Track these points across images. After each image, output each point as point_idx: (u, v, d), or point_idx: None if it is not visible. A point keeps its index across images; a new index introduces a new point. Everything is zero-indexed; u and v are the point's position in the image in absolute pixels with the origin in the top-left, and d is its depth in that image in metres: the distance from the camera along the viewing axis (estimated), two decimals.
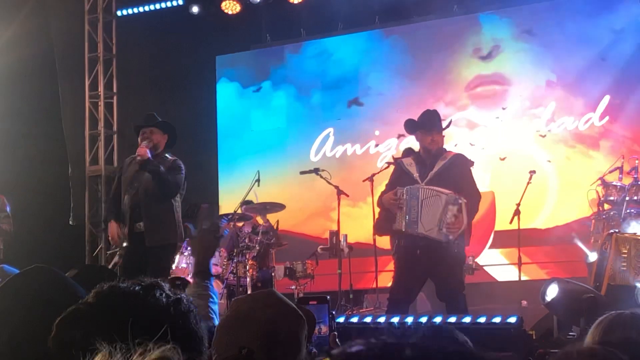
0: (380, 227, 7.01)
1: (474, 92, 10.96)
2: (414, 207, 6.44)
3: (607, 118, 10.26)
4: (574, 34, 10.50)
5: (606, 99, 10.22)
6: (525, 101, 10.65)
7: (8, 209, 9.63)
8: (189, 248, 9.01)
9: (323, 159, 11.61)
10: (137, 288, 1.45)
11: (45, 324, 1.81)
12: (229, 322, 2.34)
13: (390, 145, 11.30)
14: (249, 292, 8.63)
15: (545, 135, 10.53)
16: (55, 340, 1.42)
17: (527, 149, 10.55)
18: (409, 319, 4.57)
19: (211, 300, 2.89)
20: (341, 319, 4.86)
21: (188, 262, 9.03)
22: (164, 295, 1.45)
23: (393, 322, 4.63)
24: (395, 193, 6.51)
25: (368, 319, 4.82)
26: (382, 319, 4.77)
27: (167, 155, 7.31)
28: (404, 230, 6.45)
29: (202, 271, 2.96)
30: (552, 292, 6.65)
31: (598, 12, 10.43)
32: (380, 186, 7.15)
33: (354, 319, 4.81)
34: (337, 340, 3.00)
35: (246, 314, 2.30)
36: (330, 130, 11.76)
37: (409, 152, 7.10)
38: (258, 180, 9.34)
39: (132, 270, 6.77)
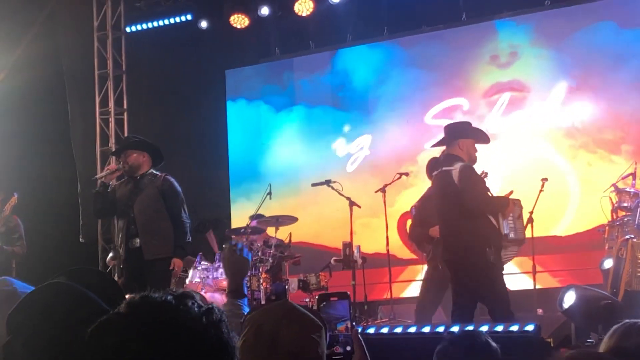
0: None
1: (491, 100, 10.86)
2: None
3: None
4: (593, 38, 10.38)
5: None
6: (545, 108, 10.52)
7: (22, 229, 9.66)
8: (202, 263, 9.02)
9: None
10: (169, 298, 1.45)
11: (63, 336, 1.83)
12: (251, 341, 2.33)
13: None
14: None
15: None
16: (87, 351, 1.42)
17: (546, 156, 10.42)
18: (440, 329, 4.56)
19: None
20: (371, 330, 4.84)
21: (202, 276, 9.03)
22: (195, 305, 1.45)
23: (424, 332, 4.62)
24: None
25: (398, 329, 4.81)
26: (412, 329, 4.77)
27: (153, 171, 7.41)
28: (516, 238, 6.86)
29: (235, 290, 2.98)
30: (569, 299, 6.65)
31: (618, 15, 10.32)
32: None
33: (384, 330, 4.79)
34: (359, 335, 3.00)
35: (271, 333, 2.31)
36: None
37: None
38: (270, 194, 9.35)
39: (133, 287, 6.91)
